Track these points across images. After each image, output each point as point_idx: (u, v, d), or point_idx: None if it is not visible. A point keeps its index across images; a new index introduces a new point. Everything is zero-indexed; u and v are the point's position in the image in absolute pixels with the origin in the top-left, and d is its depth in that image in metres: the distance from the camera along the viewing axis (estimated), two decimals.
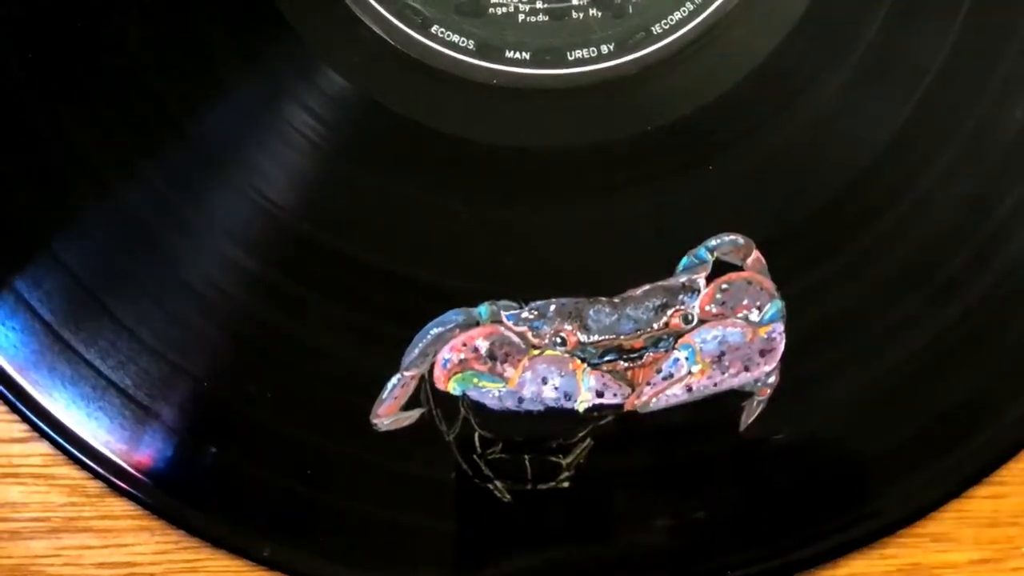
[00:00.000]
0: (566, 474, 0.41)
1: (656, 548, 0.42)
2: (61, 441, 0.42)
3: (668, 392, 0.41)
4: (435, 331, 0.41)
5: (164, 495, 0.42)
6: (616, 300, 0.42)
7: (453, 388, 0.41)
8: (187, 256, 0.42)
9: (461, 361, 0.41)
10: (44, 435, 0.42)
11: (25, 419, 0.42)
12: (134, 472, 0.42)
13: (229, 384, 0.42)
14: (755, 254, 0.42)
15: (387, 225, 0.42)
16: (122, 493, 0.42)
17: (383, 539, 0.42)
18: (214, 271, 0.42)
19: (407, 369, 0.41)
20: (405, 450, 0.41)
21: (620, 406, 0.41)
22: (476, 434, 0.41)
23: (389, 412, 0.41)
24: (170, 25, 0.43)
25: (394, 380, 0.41)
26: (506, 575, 0.42)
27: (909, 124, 0.42)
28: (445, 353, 0.41)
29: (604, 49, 0.43)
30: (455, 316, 0.41)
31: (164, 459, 0.42)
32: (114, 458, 0.42)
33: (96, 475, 0.42)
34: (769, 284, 0.42)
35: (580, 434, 0.41)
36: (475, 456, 0.41)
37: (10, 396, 0.42)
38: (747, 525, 0.42)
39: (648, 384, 0.41)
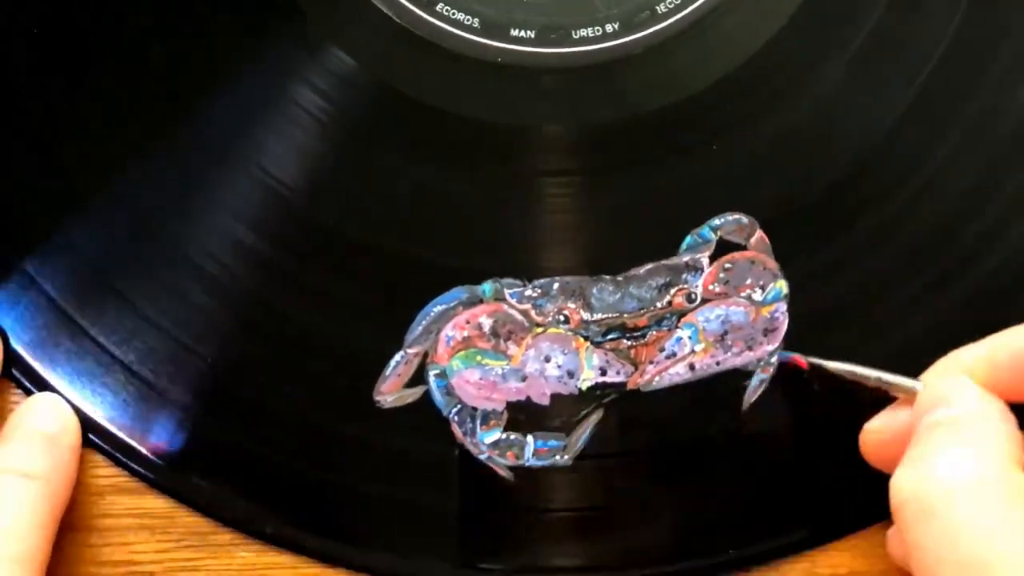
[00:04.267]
0: (568, 455, 0.41)
1: (653, 529, 0.42)
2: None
3: (671, 371, 0.41)
4: (438, 308, 0.41)
5: (168, 470, 0.42)
6: (619, 279, 0.42)
7: (456, 365, 0.41)
8: (194, 237, 0.42)
9: (464, 338, 0.41)
10: None
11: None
12: (140, 448, 0.42)
13: (236, 363, 0.42)
14: (759, 234, 0.42)
15: (391, 203, 0.42)
16: (130, 471, 0.42)
17: (387, 517, 0.42)
18: (222, 251, 0.42)
19: (410, 346, 0.41)
20: (407, 428, 0.41)
21: (623, 384, 0.41)
22: (479, 411, 0.41)
23: (392, 389, 0.41)
24: (176, 6, 0.43)
25: (397, 357, 0.41)
26: (509, 549, 0.42)
27: (914, 104, 0.42)
28: (448, 330, 0.41)
29: (609, 28, 0.43)
30: (458, 293, 0.41)
31: (170, 436, 0.42)
32: (121, 435, 0.42)
33: (102, 452, 0.42)
34: (772, 264, 0.42)
35: (583, 413, 0.41)
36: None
37: (21, 377, 0.42)
38: (742, 508, 0.42)
39: (651, 363, 0.41)
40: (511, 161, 0.43)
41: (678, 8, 0.43)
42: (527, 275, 0.42)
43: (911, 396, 0.37)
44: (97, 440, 0.42)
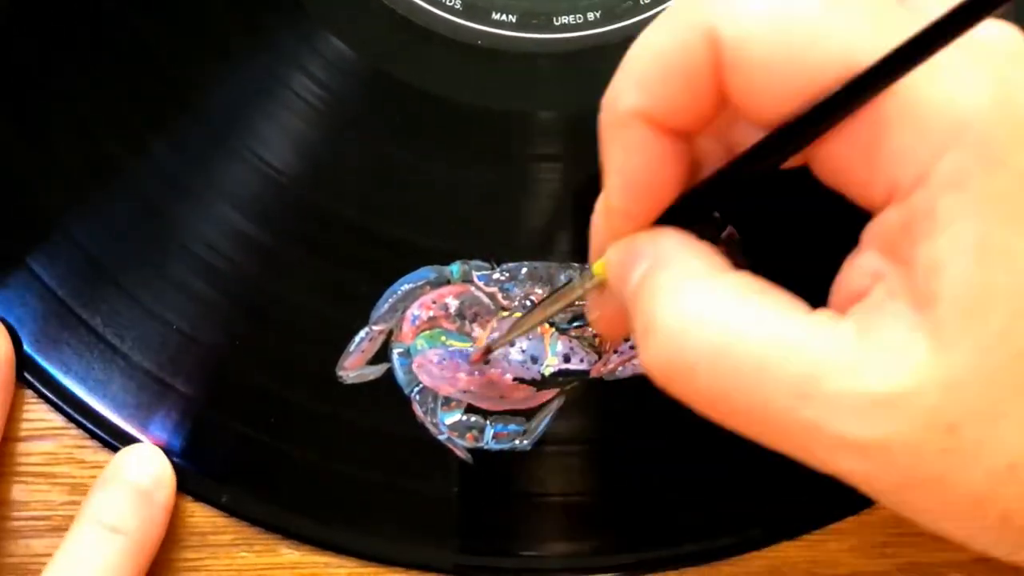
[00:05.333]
0: (527, 439, 0.41)
1: (651, 514, 0.42)
2: (68, 408, 0.42)
3: (635, 361, 0.41)
4: (405, 287, 0.41)
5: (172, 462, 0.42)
6: (588, 266, 0.42)
7: (420, 345, 0.41)
8: (193, 227, 0.42)
9: (430, 318, 0.41)
10: (48, 401, 0.42)
11: (36, 391, 0.42)
12: (144, 440, 0.42)
13: (238, 353, 0.42)
14: (728, 228, 0.42)
15: (387, 189, 0.42)
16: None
17: (387, 505, 0.42)
18: (222, 241, 0.42)
19: (375, 323, 0.41)
20: (409, 416, 0.42)
21: (586, 372, 0.41)
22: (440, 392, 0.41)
23: (355, 365, 0.41)
24: None
25: (361, 334, 0.41)
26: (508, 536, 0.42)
27: None
28: (414, 309, 0.41)
29: (591, 16, 0.43)
30: (426, 273, 0.41)
31: (173, 427, 0.42)
32: (124, 427, 0.42)
33: (105, 444, 0.42)
34: (742, 260, 0.42)
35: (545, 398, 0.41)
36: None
37: (24, 371, 0.42)
38: (739, 494, 0.42)
39: (616, 352, 0.41)
40: (487, 144, 0.43)
41: None
42: (515, 259, 0.42)
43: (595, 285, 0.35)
44: (100, 432, 0.42)
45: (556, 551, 0.42)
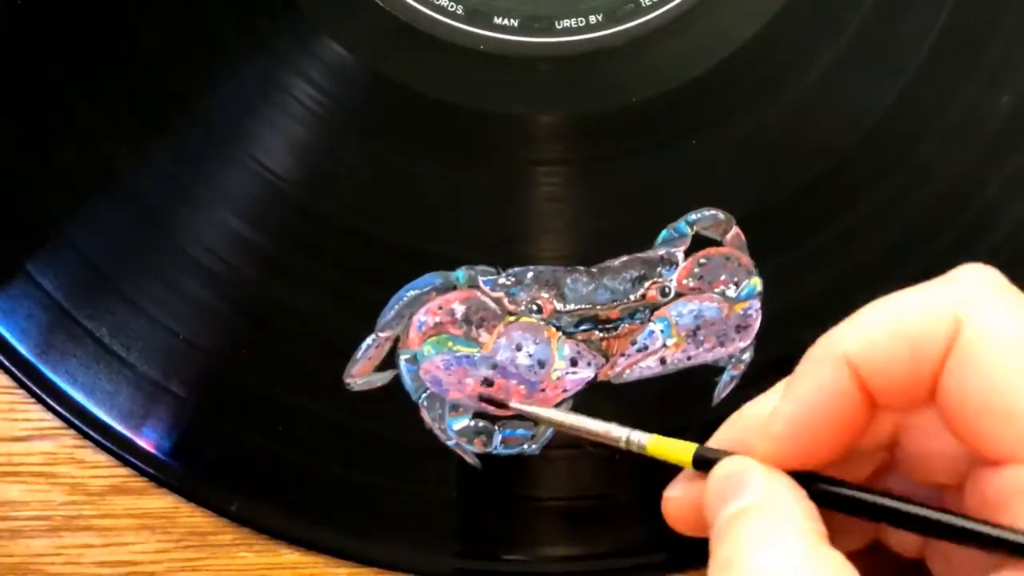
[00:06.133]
0: (535, 444, 0.41)
1: (649, 517, 0.42)
2: (69, 415, 0.42)
3: (642, 364, 0.41)
4: (411, 293, 0.41)
5: (170, 466, 0.42)
6: (594, 270, 0.42)
7: (427, 351, 0.41)
8: (192, 231, 0.42)
9: (436, 324, 0.41)
10: (50, 408, 0.42)
11: (36, 397, 0.42)
12: (142, 444, 0.42)
13: (236, 357, 0.42)
14: (734, 230, 0.42)
15: (386, 194, 0.42)
16: (132, 467, 0.42)
17: (387, 509, 0.42)
18: (221, 246, 0.42)
19: (382, 330, 0.41)
20: (407, 420, 0.41)
21: (594, 376, 0.41)
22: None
23: (362, 372, 0.41)
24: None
25: (368, 341, 0.41)
26: (508, 540, 0.42)
27: (897, 104, 0.43)
28: (421, 315, 0.41)
29: (592, 19, 0.43)
30: (432, 279, 0.41)
31: (171, 431, 0.42)
32: (122, 431, 0.42)
33: (103, 448, 0.42)
34: (747, 260, 0.42)
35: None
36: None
37: (24, 378, 0.42)
38: None
39: (622, 355, 0.41)
40: (489, 149, 0.43)
41: (663, 1, 0.43)
42: (516, 264, 0.42)
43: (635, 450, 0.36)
44: (98, 437, 0.42)
45: (556, 555, 0.42)
